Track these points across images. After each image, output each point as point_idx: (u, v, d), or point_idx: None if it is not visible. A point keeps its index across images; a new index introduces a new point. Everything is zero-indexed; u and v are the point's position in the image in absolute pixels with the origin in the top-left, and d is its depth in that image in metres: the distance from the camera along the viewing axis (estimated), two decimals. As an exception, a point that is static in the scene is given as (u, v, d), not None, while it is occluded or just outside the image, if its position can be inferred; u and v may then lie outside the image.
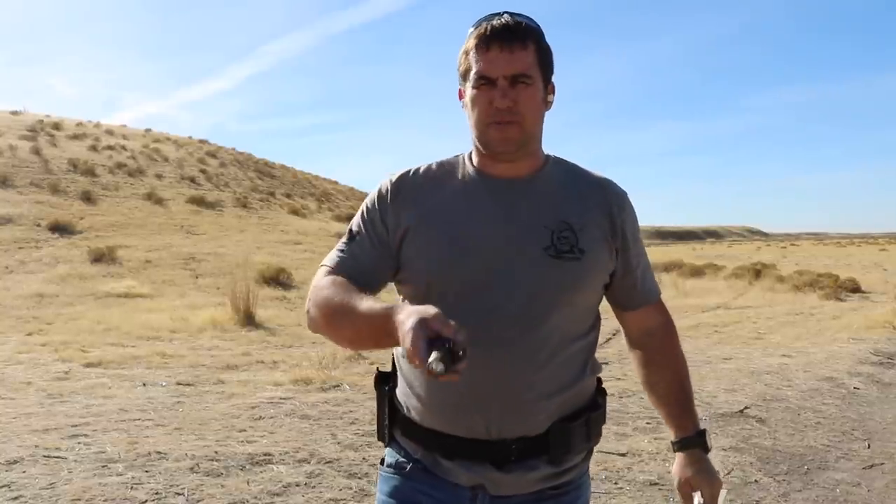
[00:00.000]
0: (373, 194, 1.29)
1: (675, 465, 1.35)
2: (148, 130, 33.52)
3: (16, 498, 3.04)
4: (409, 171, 1.29)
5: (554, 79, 1.25)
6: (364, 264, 1.24)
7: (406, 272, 1.25)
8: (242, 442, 3.92)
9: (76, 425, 4.11)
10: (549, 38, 1.23)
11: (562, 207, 1.24)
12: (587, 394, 1.28)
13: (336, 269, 1.23)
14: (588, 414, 1.26)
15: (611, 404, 4.82)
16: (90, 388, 5.07)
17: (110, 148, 24.98)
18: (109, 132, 29.44)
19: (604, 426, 1.34)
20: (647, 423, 4.45)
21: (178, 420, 4.32)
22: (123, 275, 11.35)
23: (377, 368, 1.37)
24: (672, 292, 14.93)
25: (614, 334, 6.23)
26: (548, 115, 1.25)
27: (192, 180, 23.85)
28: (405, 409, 1.28)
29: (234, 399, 4.89)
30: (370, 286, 1.22)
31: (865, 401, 5.39)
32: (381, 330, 1.02)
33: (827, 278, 16.57)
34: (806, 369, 6.44)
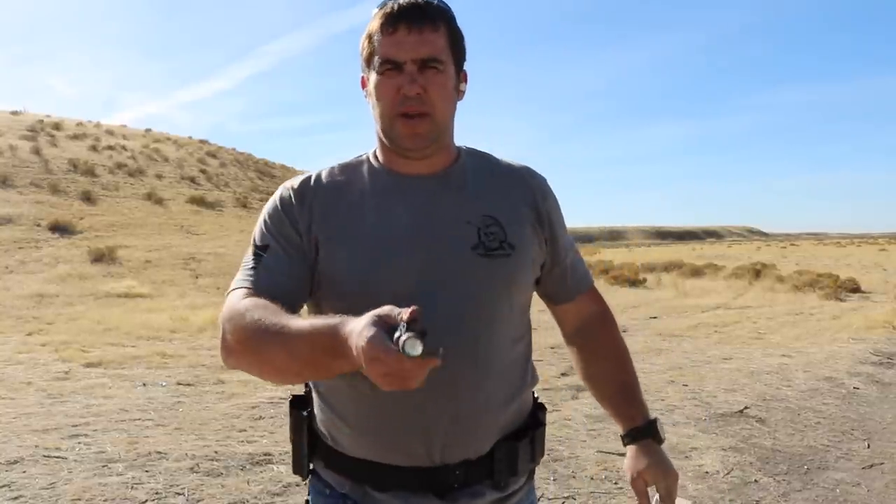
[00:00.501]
0: (273, 203, 1.13)
1: (627, 459, 1.23)
2: (148, 130, 33.53)
3: (16, 498, 3.04)
4: (309, 178, 1.14)
5: (467, 66, 1.13)
6: (283, 278, 1.06)
7: (323, 291, 1.10)
8: (242, 442, 3.92)
9: (76, 425, 4.11)
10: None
11: (484, 201, 1.13)
12: (527, 408, 1.19)
13: (254, 289, 1.04)
14: (532, 432, 1.17)
15: (611, 404, 4.84)
16: (90, 388, 5.08)
17: (110, 148, 25.00)
18: (109, 132, 29.45)
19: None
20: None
21: (178, 420, 4.32)
22: (123, 275, 11.36)
23: (291, 394, 1.24)
24: (672, 292, 14.94)
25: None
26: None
27: (192, 180, 23.88)
28: (328, 438, 1.14)
29: (234, 399, 4.89)
30: (294, 302, 1.06)
31: (865, 401, 5.38)
32: (325, 349, 0.87)
33: (827, 278, 16.55)
34: (806, 369, 6.43)
